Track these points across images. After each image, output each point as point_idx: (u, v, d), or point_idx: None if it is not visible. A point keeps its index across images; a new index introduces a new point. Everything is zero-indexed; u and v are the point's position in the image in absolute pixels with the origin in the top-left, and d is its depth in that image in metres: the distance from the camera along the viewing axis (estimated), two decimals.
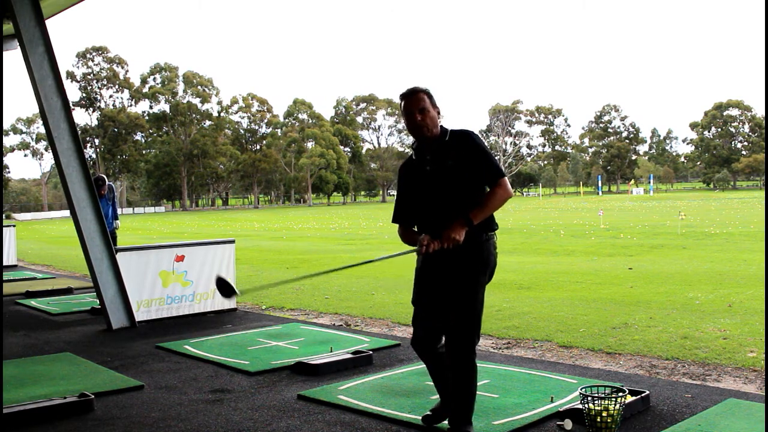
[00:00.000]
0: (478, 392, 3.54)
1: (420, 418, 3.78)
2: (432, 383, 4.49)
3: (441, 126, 3.49)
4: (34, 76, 6.89)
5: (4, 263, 14.13)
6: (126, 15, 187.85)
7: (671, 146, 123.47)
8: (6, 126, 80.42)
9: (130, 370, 5.26)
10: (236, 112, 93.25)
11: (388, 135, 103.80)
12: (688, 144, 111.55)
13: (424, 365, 3.71)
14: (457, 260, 3.36)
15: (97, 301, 7.26)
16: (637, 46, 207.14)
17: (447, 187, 3.38)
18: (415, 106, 3.40)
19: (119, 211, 9.35)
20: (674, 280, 9.37)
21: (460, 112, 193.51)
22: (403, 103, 3.46)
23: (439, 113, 3.47)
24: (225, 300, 7.91)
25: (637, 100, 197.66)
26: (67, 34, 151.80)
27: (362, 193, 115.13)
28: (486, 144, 3.47)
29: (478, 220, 3.30)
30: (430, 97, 3.45)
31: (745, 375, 4.67)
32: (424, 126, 3.40)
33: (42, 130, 74.92)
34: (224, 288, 3.41)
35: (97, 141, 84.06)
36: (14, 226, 16.24)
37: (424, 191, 3.45)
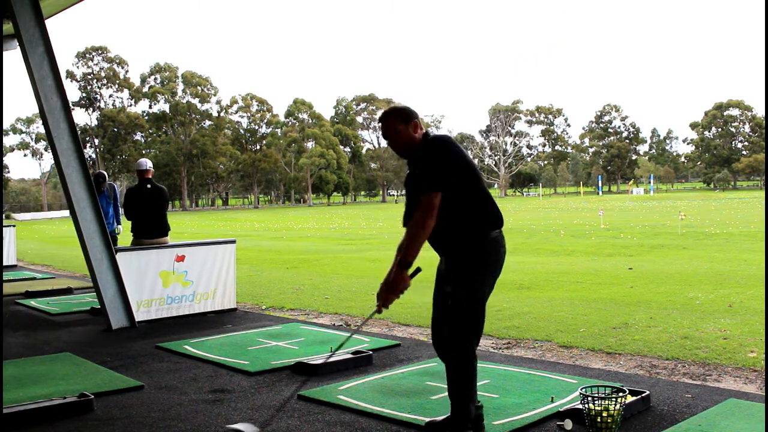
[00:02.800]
0: (478, 392, 3.53)
1: (420, 418, 3.78)
2: (432, 383, 4.50)
3: (425, 133, 3.51)
4: (33, 76, 6.88)
5: (4, 263, 14.12)
6: (126, 15, 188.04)
7: (671, 146, 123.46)
8: (6, 126, 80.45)
9: (130, 370, 5.26)
10: (236, 112, 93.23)
11: None
12: (688, 144, 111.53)
13: (425, 365, 3.71)
14: (453, 259, 3.43)
15: (97, 301, 7.25)
16: (637, 46, 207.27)
17: (419, 197, 3.37)
18: (385, 131, 3.52)
19: (121, 210, 9.37)
20: (674, 280, 9.37)
21: (460, 112, 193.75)
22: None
23: (416, 126, 3.49)
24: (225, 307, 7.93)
25: (637, 100, 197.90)
26: (67, 34, 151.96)
27: (362, 193, 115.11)
28: (446, 153, 3.36)
29: (411, 257, 3.28)
30: (398, 116, 3.49)
31: (746, 375, 4.67)
32: (396, 147, 3.51)
33: (42, 130, 74.91)
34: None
35: (97, 141, 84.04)
36: (14, 226, 16.23)
37: (415, 202, 3.48)
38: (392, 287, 3.32)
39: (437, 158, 3.35)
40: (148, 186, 7.84)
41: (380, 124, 3.56)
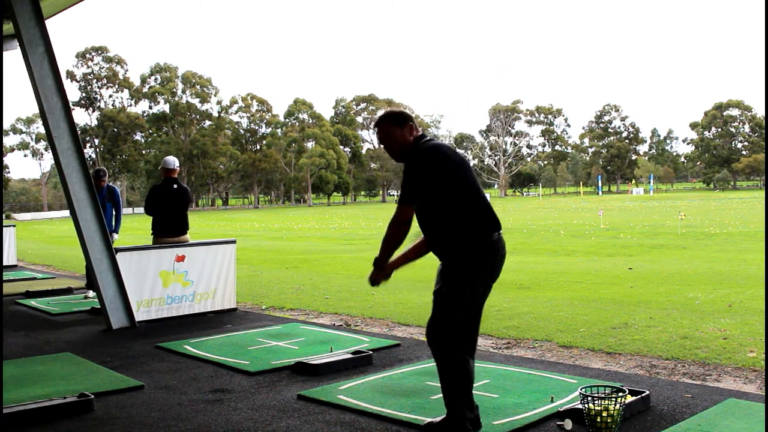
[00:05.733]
0: (477, 392, 3.53)
1: (420, 417, 3.78)
2: (432, 383, 4.50)
3: (418, 137, 3.52)
4: (34, 76, 6.88)
5: (4, 263, 14.12)
6: (126, 15, 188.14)
7: (671, 146, 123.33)
8: (6, 126, 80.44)
9: (130, 370, 5.26)
10: (236, 112, 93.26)
11: None
12: (688, 144, 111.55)
13: (425, 365, 3.71)
14: (446, 261, 3.50)
15: (97, 301, 7.25)
16: (637, 45, 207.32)
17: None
18: (380, 135, 3.59)
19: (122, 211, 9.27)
20: (674, 280, 9.37)
21: (460, 112, 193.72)
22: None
23: (411, 129, 3.51)
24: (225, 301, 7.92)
25: (637, 100, 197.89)
26: (67, 34, 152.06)
27: (362, 193, 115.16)
28: (427, 166, 3.35)
29: (381, 259, 3.53)
30: (393, 119, 3.53)
31: (745, 375, 4.67)
32: (391, 150, 3.57)
33: (42, 130, 74.92)
34: None
35: (97, 141, 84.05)
36: (14, 226, 16.23)
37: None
38: (372, 280, 3.62)
39: (415, 172, 3.38)
40: (175, 186, 7.81)
41: (376, 128, 3.59)
